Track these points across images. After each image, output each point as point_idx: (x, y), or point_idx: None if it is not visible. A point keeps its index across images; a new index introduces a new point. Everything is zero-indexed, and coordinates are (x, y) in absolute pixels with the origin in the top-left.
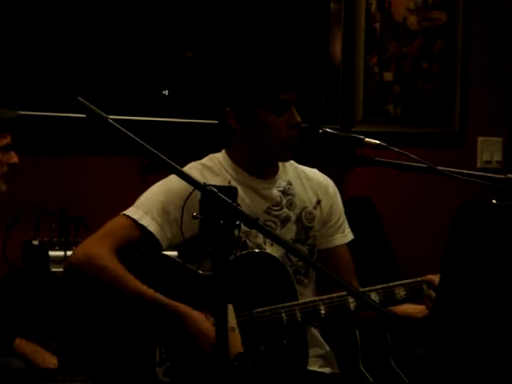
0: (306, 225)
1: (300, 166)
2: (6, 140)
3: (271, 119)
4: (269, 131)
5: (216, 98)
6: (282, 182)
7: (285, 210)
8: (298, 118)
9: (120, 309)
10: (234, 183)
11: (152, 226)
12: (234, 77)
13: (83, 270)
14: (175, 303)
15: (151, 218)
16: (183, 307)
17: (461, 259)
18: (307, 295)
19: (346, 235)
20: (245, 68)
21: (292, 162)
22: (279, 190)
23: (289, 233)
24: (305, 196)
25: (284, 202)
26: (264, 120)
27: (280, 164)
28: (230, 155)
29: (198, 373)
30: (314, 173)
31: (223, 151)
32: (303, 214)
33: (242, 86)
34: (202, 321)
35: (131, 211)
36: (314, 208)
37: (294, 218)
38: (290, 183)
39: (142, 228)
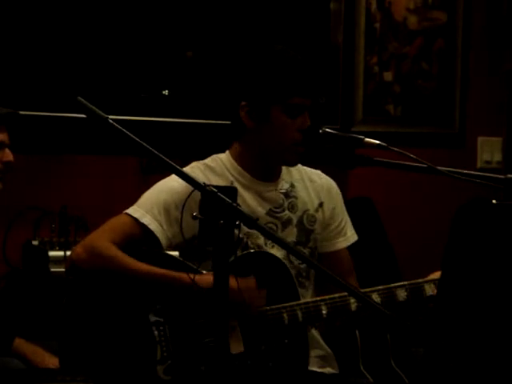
0: (307, 227)
1: (303, 168)
2: (1, 137)
3: (283, 120)
4: (278, 132)
5: (232, 91)
6: (284, 184)
7: (286, 212)
8: (309, 124)
9: (121, 306)
10: (236, 184)
11: (153, 225)
12: (254, 72)
13: (85, 263)
14: (178, 273)
15: (152, 217)
16: (185, 276)
17: (461, 259)
18: (307, 297)
19: (347, 238)
20: (267, 65)
21: None
22: (281, 192)
23: (290, 235)
24: (307, 198)
25: (286, 204)
26: (276, 120)
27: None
28: (234, 156)
29: (199, 369)
30: (317, 175)
31: (227, 152)
32: (305, 216)
33: (260, 83)
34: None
35: (132, 210)
36: (316, 211)
37: (295, 220)
38: (292, 185)
39: (142, 227)
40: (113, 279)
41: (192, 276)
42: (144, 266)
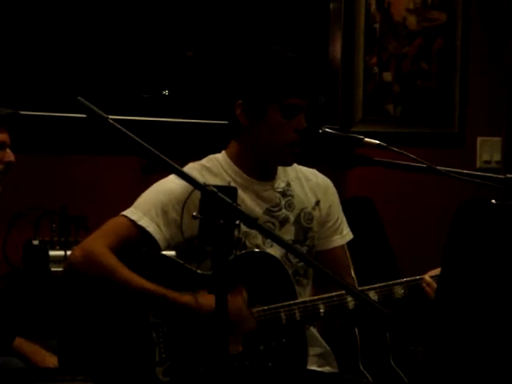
0: (304, 226)
1: (299, 167)
2: (2, 138)
3: (279, 120)
4: (273, 132)
5: (229, 89)
6: (281, 183)
7: (284, 211)
8: (304, 125)
9: (119, 307)
10: (233, 184)
11: (151, 227)
12: (252, 71)
13: (82, 268)
14: (175, 294)
15: (150, 219)
16: (182, 297)
17: (460, 259)
18: (305, 296)
19: (343, 236)
20: (265, 65)
21: None
22: (278, 191)
23: (287, 234)
24: (304, 197)
25: (283, 203)
26: (271, 120)
27: None
28: (230, 156)
29: (198, 370)
30: (313, 173)
31: (223, 152)
32: (302, 215)
33: (257, 82)
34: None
35: (130, 212)
36: (313, 209)
37: (292, 219)
38: (288, 184)
39: (140, 229)
40: (107, 288)
41: (194, 299)
42: (141, 282)
